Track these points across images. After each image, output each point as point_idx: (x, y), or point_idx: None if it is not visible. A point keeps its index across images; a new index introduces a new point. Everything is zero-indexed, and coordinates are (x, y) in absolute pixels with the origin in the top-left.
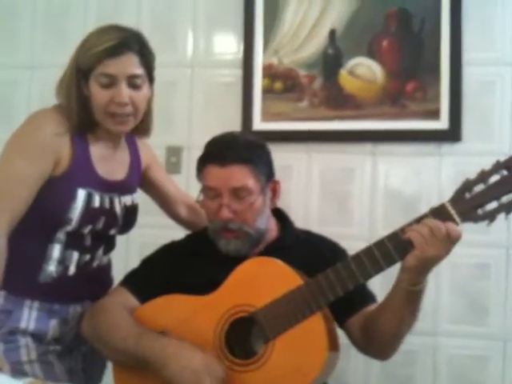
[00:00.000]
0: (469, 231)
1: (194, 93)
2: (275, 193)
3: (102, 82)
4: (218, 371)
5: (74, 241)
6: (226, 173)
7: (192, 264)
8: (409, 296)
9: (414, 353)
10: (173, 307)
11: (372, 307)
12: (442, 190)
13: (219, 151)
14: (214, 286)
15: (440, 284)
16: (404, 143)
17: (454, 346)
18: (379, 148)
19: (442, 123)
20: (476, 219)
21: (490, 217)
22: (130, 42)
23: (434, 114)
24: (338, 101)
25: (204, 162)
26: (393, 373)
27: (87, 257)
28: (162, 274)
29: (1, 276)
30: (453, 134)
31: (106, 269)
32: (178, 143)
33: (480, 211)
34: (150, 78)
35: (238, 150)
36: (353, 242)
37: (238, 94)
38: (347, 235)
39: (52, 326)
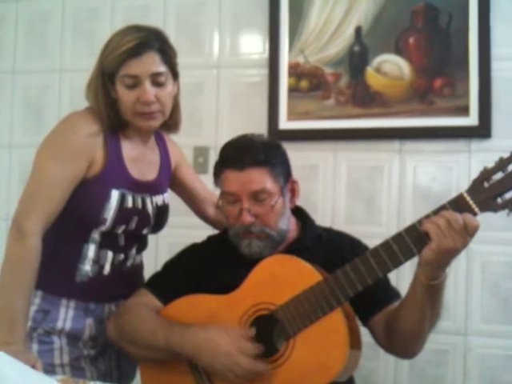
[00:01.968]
0: (500, 229)
1: (221, 93)
2: (294, 192)
3: (126, 83)
4: (247, 348)
5: (108, 241)
6: (245, 177)
7: (213, 266)
8: (428, 291)
9: (445, 352)
10: (195, 307)
11: (396, 305)
12: None
13: (236, 155)
14: (235, 287)
15: (471, 283)
16: (432, 140)
17: (486, 346)
18: (407, 145)
19: (472, 119)
20: (495, 208)
21: (510, 205)
22: (149, 40)
23: (463, 111)
24: (365, 98)
25: (221, 167)
26: (423, 373)
27: (121, 256)
28: (184, 276)
29: (36, 276)
30: (482, 131)
31: (138, 268)
32: (205, 143)
33: (499, 200)
34: (174, 74)
35: (254, 152)
36: (380, 241)
37: (264, 94)
38: (375, 234)
39: (88, 324)
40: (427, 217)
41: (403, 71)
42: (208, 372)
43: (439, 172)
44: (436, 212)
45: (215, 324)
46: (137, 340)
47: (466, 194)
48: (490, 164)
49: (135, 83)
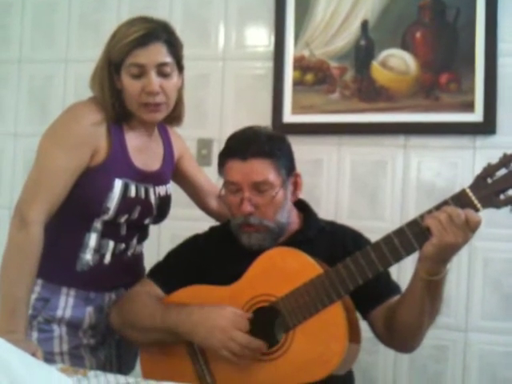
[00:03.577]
0: (502, 226)
1: (226, 85)
2: (297, 186)
3: (132, 72)
4: (242, 323)
5: (110, 230)
6: (247, 167)
7: (215, 257)
8: (427, 286)
9: (445, 348)
10: (196, 298)
11: (396, 299)
12: None
13: (240, 146)
14: (237, 278)
15: (473, 279)
16: (437, 136)
17: (486, 342)
18: (412, 141)
19: (477, 115)
20: (498, 204)
21: None
22: (157, 31)
23: (469, 106)
24: (370, 93)
25: (225, 157)
26: (423, 368)
27: (122, 246)
28: (186, 266)
29: (38, 265)
30: (487, 127)
31: (139, 258)
32: (209, 135)
33: (502, 196)
34: (179, 67)
35: (258, 144)
36: None
37: (268, 87)
38: (378, 229)
39: (88, 313)
40: (429, 212)
41: (409, 66)
42: (204, 354)
43: (443, 168)
44: (438, 207)
45: None
46: (137, 324)
47: (468, 190)
48: (495, 160)
49: (141, 73)
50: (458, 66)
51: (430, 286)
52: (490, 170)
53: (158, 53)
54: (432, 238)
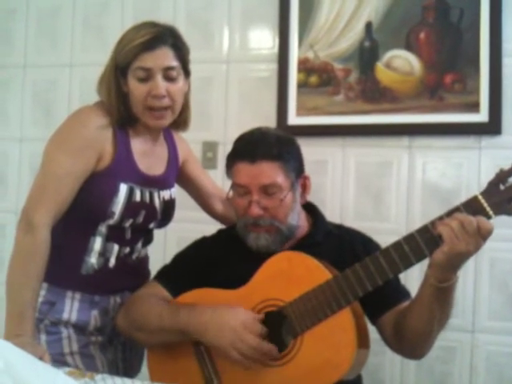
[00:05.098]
0: (509, 226)
1: (230, 88)
2: (305, 188)
3: (138, 75)
4: (254, 326)
5: (114, 234)
6: (256, 170)
7: (223, 259)
8: (437, 293)
9: (452, 349)
10: (204, 301)
11: (405, 304)
12: (481, 185)
13: (248, 148)
14: (244, 281)
15: (479, 279)
16: (442, 136)
17: (493, 343)
18: (416, 141)
19: (482, 116)
20: (510, 212)
21: None
22: (163, 36)
23: (474, 107)
24: (375, 94)
25: (233, 159)
26: (430, 369)
27: (127, 249)
28: (194, 269)
29: (45, 268)
30: (492, 127)
31: (143, 261)
32: (214, 138)
33: None
34: (186, 72)
35: (267, 146)
36: (389, 237)
37: (273, 89)
38: (383, 230)
39: (93, 316)
40: (440, 218)
41: (413, 67)
42: (211, 357)
43: (449, 168)
44: (449, 214)
45: None
46: (145, 325)
47: (480, 196)
48: (500, 160)
49: (147, 76)
50: (462, 67)
51: (440, 292)
52: (502, 176)
53: (165, 57)
54: (443, 245)
